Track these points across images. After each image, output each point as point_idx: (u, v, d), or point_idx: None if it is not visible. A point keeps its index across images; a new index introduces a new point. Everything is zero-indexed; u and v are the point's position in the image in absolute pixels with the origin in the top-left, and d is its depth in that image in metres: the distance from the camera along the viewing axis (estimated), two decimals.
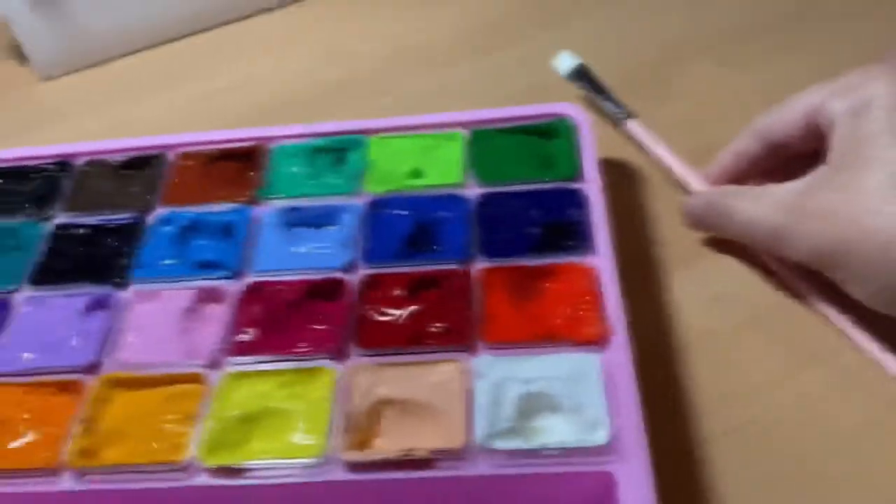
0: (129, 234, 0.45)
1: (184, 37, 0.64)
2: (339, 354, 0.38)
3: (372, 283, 0.41)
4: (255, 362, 0.39)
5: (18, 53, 0.63)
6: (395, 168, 0.46)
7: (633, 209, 0.47)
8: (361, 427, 0.36)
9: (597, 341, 0.37)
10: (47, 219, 0.46)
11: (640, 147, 0.49)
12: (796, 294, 0.42)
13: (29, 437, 0.37)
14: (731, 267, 0.44)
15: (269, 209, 0.45)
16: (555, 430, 0.35)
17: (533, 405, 0.36)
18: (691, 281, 0.44)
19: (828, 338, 0.41)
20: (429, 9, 0.63)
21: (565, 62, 0.53)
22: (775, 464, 0.37)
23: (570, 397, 0.36)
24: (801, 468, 0.37)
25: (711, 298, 0.43)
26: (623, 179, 0.49)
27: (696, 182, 0.46)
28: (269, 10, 0.65)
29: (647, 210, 0.47)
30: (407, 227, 0.43)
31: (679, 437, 0.38)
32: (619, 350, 0.36)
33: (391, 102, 0.56)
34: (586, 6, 0.61)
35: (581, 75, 0.53)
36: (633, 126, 0.50)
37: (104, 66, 0.63)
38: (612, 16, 0.60)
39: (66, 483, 0.36)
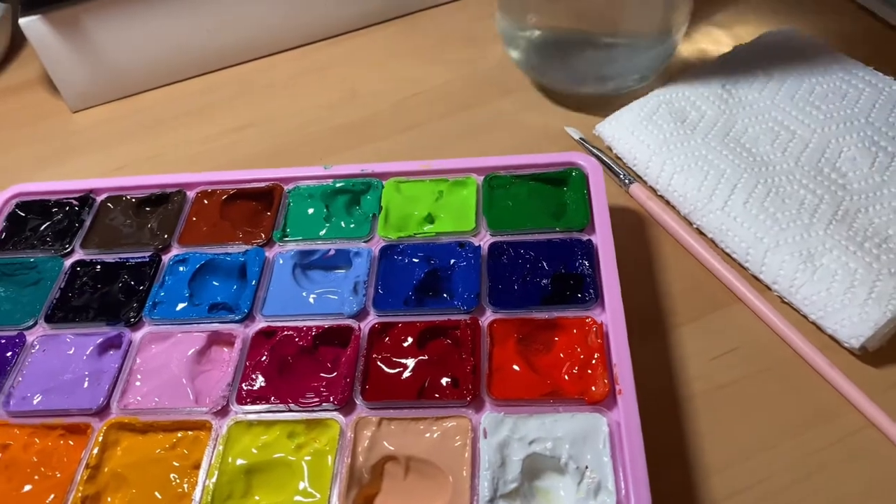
0: (145, 273, 0.42)
1: (208, 73, 0.61)
2: (345, 406, 0.36)
3: (381, 331, 0.38)
4: (262, 411, 0.36)
5: (51, 85, 0.61)
6: (409, 213, 0.44)
7: (642, 259, 0.44)
8: (364, 483, 0.33)
9: (604, 401, 0.34)
10: (67, 254, 0.44)
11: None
12: (801, 353, 0.39)
13: (35, 482, 0.35)
14: (738, 321, 0.41)
15: (282, 251, 0.42)
16: (560, 494, 0.33)
17: (538, 466, 0.33)
18: (698, 335, 0.41)
19: (831, 397, 0.38)
20: (446, 54, 0.60)
21: (572, 133, 0.51)
22: None
23: (577, 459, 0.33)
24: None
25: (717, 354, 0.40)
26: (632, 227, 0.46)
27: (694, 242, 0.44)
28: (290, 49, 0.63)
29: (656, 260, 0.44)
30: (417, 274, 0.40)
31: (686, 501, 0.35)
32: (627, 411, 0.34)
33: (407, 144, 0.53)
34: None
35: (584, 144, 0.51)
36: (636, 190, 0.47)
37: (131, 99, 0.60)
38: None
39: None
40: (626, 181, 0.48)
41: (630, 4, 0.48)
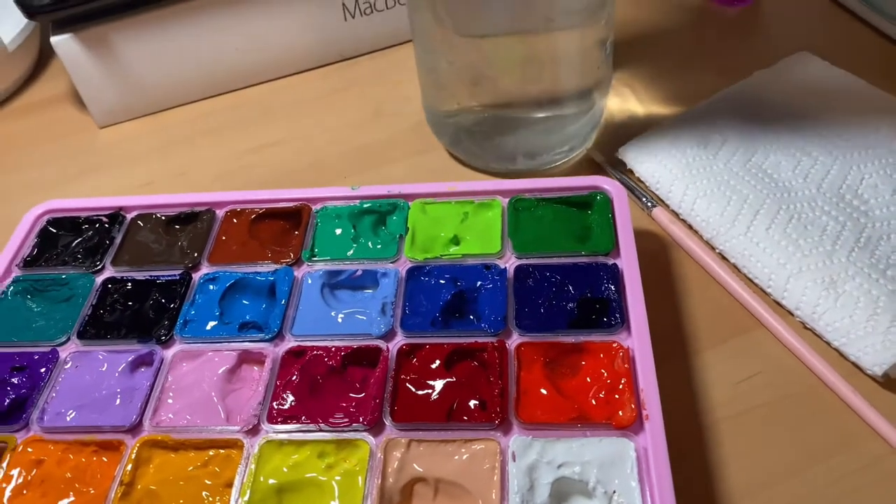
0: (176, 291, 0.43)
1: (234, 90, 0.62)
2: (374, 427, 0.36)
3: (409, 352, 0.39)
4: (293, 431, 0.36)
5: (77, 100, 0.62)
6: (434, 234, 0.44)
7: (664, 283, 0.45)
8: None
9: (631, 426, 0.35)
10: (98, 271, 0.45)
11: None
12: (824, 379, 0.39)
13: (69, 499, 0.35)
14: (761, 347, 0.41)
15: (311, 271, 0.43)
16: None
17: (566, 490, 0.34)
18: (721, 360, 0.41)
19: (856, 424, 0.38)
20: None
21: (595, 157, 0.52)
22: None
23: (604, 484, 0.33)
24: None
25: (740, 379, 0.40)
26: (655, 251, 0.46)
27: (717, 267, 0.44)
28: (315, 68, 0.63)
29: (678, 284, 0.45)
30: (444, 295, 0.41)
31: None
32: (654, 437, 0.34)
33: (430, 165, 0.54)
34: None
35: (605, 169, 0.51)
36: (659, 214, 0.47)
37: (157, 116, 0.61)
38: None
39: None
40: (649, 205, 0.48)
41: (550, 76, 0.47)
